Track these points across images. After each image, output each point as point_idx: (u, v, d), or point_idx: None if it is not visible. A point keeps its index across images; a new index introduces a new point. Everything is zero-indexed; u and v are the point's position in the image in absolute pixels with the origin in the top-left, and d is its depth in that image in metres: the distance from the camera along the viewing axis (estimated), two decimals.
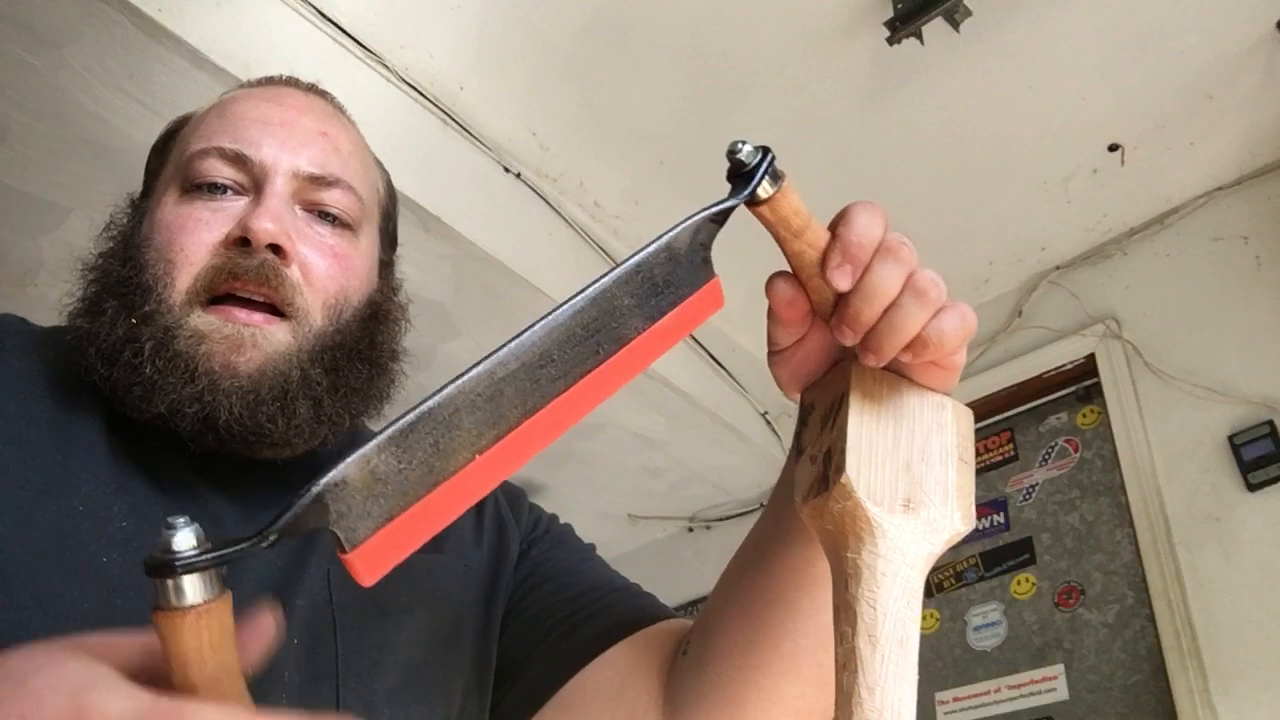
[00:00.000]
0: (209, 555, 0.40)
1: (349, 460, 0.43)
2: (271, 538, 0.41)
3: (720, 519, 3.17)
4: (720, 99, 2.20)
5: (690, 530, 3.25)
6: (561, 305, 0.48)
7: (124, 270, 0.70)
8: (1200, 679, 2.05)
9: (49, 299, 2.44)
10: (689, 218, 0.52)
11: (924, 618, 2.58)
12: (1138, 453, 2.32)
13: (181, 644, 0.40)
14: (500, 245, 2.17)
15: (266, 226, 0.67)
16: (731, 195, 0.52)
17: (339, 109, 0.82)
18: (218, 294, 0.67)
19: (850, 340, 0.52)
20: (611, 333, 0.50)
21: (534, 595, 0.78)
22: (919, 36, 1.95)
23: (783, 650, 0.63)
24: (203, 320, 0.66)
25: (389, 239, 0.83)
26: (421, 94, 2.08)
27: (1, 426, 0.63)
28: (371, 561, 0.44)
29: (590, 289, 0.49)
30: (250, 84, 0.81)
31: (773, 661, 0.64)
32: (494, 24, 2.05)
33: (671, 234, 0.51)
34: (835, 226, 0.52)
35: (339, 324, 0.71)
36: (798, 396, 0.58)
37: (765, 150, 0.52)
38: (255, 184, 0.71)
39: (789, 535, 0.62)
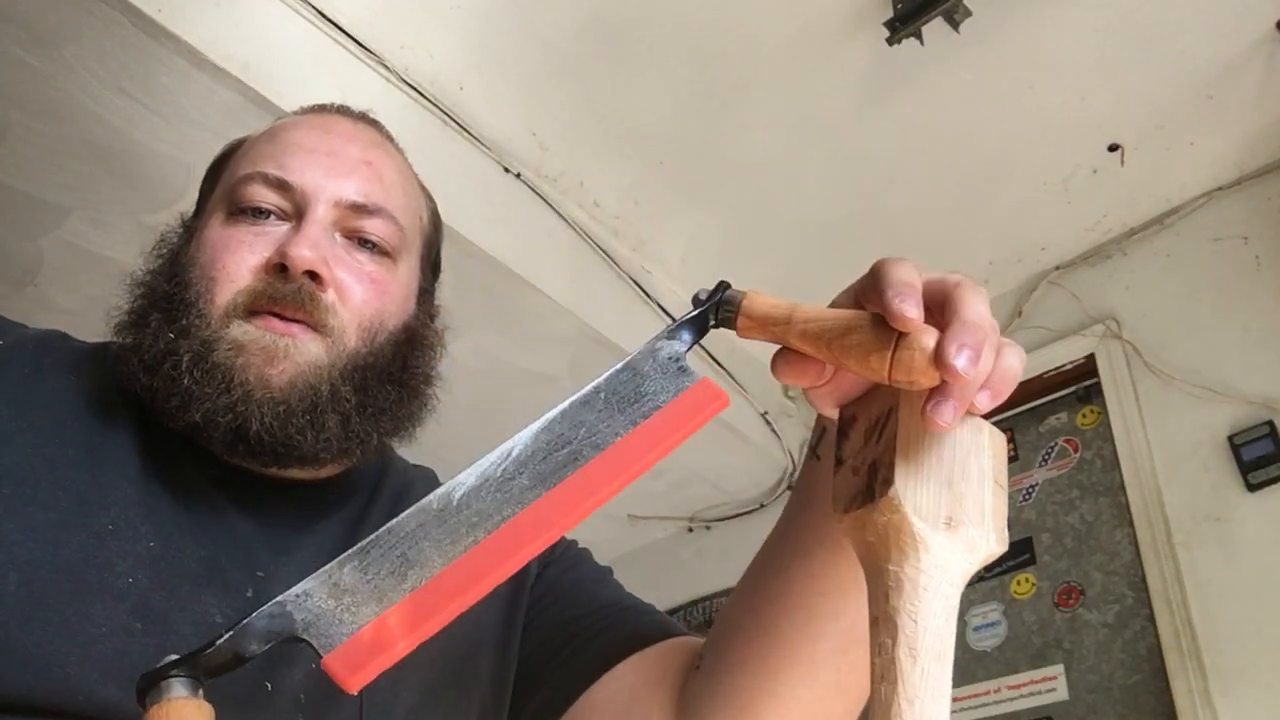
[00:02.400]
0: (167, 663, 0.45)
1: (310, 578, 0.46)
2: (225, 636, 0.45)
3: (720, 519, 3.17)
4: (720, 99, 2.20)
5: (690, 530, 3.25)
6: (519, 432, 0.51)
7: (169, 286, 0.72)
8: (1200, 679, 2.05)
9: (49, 299, 2.46)
10: (644, 343, 0.56)
11: None
12: (1138, 453, 2.32)
13: None
14: (500, 246, 2.17)
15: (304, 254, 0.69)
16: (685, 314, 0.56)
17: (387, 138, 0.84)
18: (254, 312, 0.69)
19: (951, 415, 0.48)
20: (588, 441, 0.52)
21: (547, 614, 0.79)
22: (919, 36, 1.95)
23: (801, 656, 0.64)
24: (241, 330, 0.68)
25: (431, 267, 0.85)
26: (421, 94, 2.08)
27: (36, 444, 0.64)
28: (352, 664, 0.45)
29: (547, 414, 0.52)
30: (303, 110, 0.83)
31: (790, 668, 0.64)
32: (494, 24, 2.05)
33: (626, 359, 0.54)
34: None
35: (372, 346, 0.73)
36: (834, 414, 0.58)
37: (720, 282, 0.56)
38: (297, 210, 0.73)
39: (808, 542, 0.63)
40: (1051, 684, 2.31)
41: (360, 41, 1.98)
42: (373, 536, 0.47)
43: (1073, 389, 2.58)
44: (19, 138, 1.88)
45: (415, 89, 2.07)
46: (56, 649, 0.57)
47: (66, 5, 1.63)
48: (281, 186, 0.73)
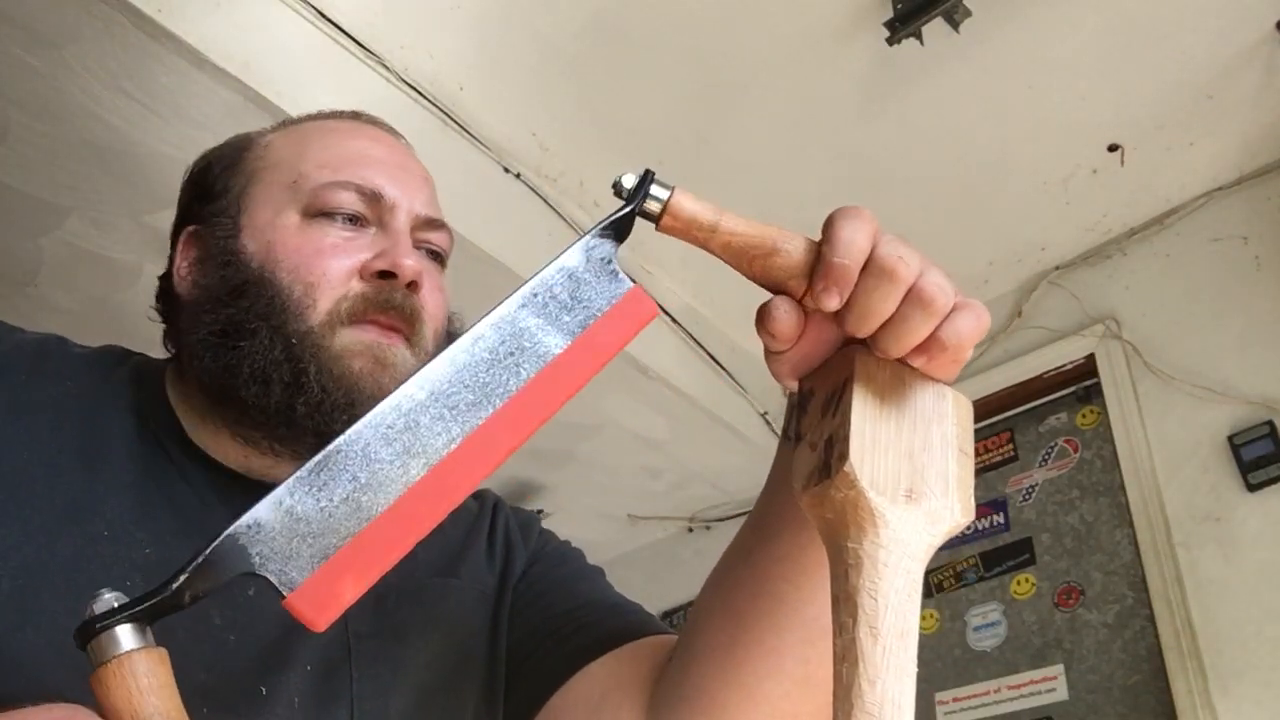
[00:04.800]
0: (124, 612, 0.41)
1: (259, 504, 0.44)
2: (181, 579, 0.42)
3: (720, 519, 3.17)
4: (720, 99, 2.20)
5: (690, 530, 3.25)
6: (459, 337, 0.50)
7: (259, 290, 0.71)
8: (1200, 679, 2.05)
9: (49, 299, 2.45)
10: (574, 240, 0.53)
11: (923, 618, 2.58)
12: (1137, 453, 2.32)
13: (113, 695, 0.41)
14: (500, 245, 2.17)
15: (413, 264, 0.72)
16: (614, 211, 0.53)
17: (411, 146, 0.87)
18: (358, 319, 0.70)
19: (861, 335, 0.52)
20: (529, 352, 0.50)
21: (528, 612, 0.79)
22: (919, 37, 1.95)
23: (766, 646, 0.62)
24: (353, 337, 0.70)
25: None
26: (421, 94, 2.08)
27: (34, 449, 0.64)
28: (317, 603, 0.43)
29: (486, 316, 0.50)
30: (342, 114, 0.83)
31: (757, 659, 0.63)
32: (494, 24, 2.05)
33: (559, 258, 0.53)
34: (820, 242, 0.51)
35: (436, 350, 0.75)
36: (796, 386, 0.57)
37: (646, 172, 0.53)
38: (379, 220, 0.75)
39: (776, 525, 0.62)
40: (1051, 684, 2.31)
41: (360, 41, 1.98)
42: (321, 456, 0.46)
43: (1073, 389, 2.58)
44: (19, 138, 1.88)
45: (415, 89, 2.07)
46: (47, 654, 0.57)
47: (66, 5, 1.63)
48: (375, 197, 0.74)
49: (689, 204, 0.52)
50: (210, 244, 0.75)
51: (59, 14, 1.65)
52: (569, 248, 0.53)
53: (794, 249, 0.52)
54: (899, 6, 1.94)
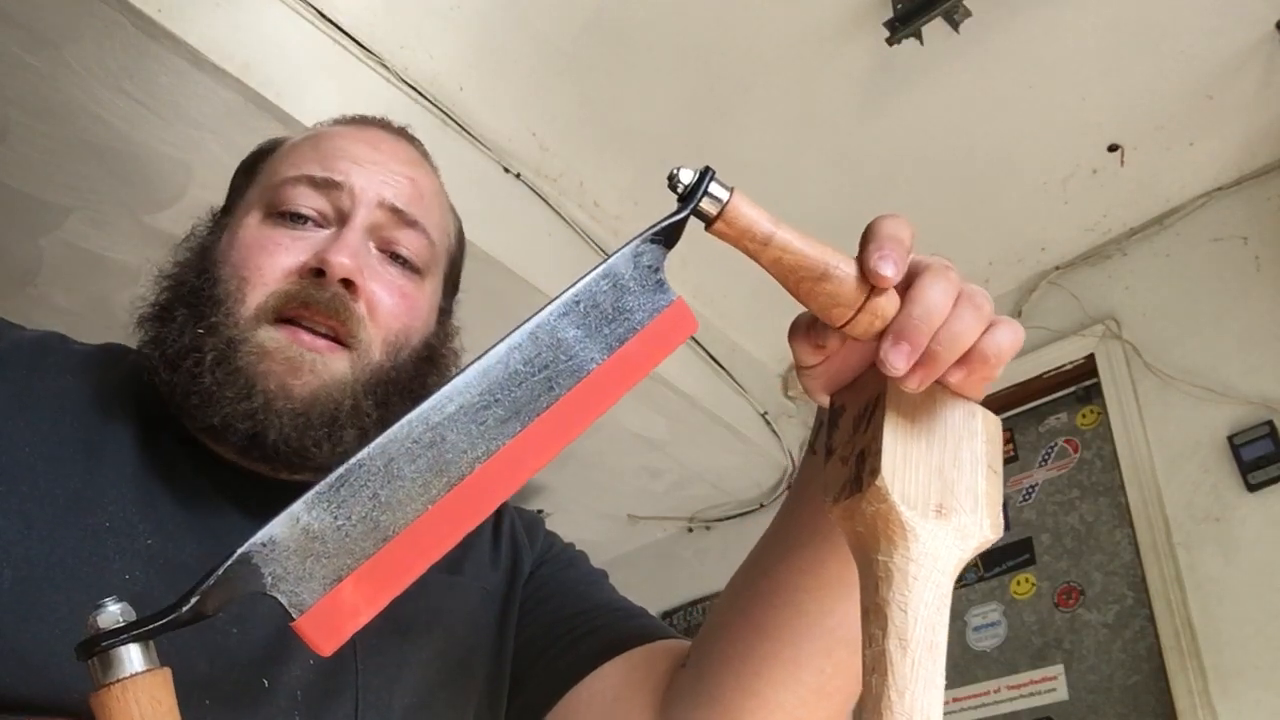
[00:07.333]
0: (129, 632, 0.40)
1: (275, 520, 0.42)
2: (193, 601, 0.41)
3: (720, 519, 3.17)
4: (720, 99, 2.20)
5: (690, 530, 3.25)
6: (495, 344, 0.46)
7: (197, 281, 0.72)
8: (1200, 679, 2.05)
9: (49, 299, 2.45)
10: (625, 244, 0.50)
11: None
12: (1137, 453, 2.32)
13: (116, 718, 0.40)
14: (500, 245, 2.17)
15: (343, 261, 0.69)
16: (669, 215, 0.50)
17: (424, 155, 0.84)
18: (284, 317, 0.69)
19: (900, 371, 0.50)
20: (564, 366, 0.48)
21: (537, 613, 0.79)
22: (919, 37, 1.95)
23: (783, 656, 0.63)
24: (268, 335, 0.68)
25: (452, 285, 0.86)
26: (421, 94, 2.08)
27: (35, 443, 0.64)
28: (325, 627, 0.42)
29: (525, 324, 0.47)
30: (346, 120, 0.83)
31: (773, 668, 0.63)
32: (494, 24, 2.05)
33: (607, 262, 0.49)
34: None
35: (396, 361, 0.73)
36: (827, 401, 0.58)
37: (705, 170, 0.50)
38: (339, 215, 0.73)
39: (799, 538, 0.62)
40: (1051, 684, 2.31)
41: (360, 42, 1.98)
42: (343, 470, 0.43)
43: (1073, 389, 2.58)
44: (19, 138, 1.88)
45: (415, 89, 2.07)
46: (52, 646, 0.57)
47: (66, 5, 1.63)
48: (327, 187, 0.73)
49: (747, 210, 0.50)
50: (195, 236, 0.77)
51: (59, 14, 1.65)
52: (617, 252, 0.50)
53: (844, 276, 0.50)
54: (899, 6, 1.94)
